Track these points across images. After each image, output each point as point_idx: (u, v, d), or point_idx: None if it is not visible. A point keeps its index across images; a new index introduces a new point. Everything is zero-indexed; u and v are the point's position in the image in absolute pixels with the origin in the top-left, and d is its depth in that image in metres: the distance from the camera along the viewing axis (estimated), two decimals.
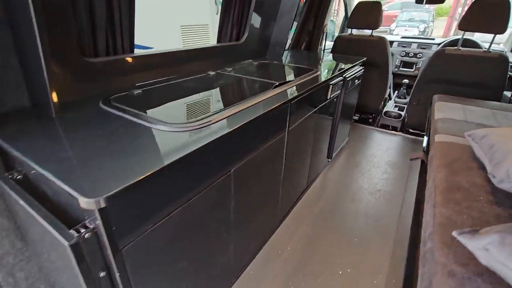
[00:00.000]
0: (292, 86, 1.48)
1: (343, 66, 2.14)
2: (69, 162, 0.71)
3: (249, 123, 1.04)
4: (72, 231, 0.65)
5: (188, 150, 0.79)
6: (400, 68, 3.86)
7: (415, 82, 2.88)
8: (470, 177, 0.99)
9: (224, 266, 1.27)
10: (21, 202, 0.74)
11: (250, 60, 2.09)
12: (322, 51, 3.13)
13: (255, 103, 1.19)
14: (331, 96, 1.91)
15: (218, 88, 1.45)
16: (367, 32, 3.04)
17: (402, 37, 3.96)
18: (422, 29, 10.80)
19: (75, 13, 1.05)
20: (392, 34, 8.44)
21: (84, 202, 0.59)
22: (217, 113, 1.04)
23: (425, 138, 1.93)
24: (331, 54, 2.98)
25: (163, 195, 0.80)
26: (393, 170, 2.48)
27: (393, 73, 3.77)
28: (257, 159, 1.22)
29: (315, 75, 1.76)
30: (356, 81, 2.40)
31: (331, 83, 1.82)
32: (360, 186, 2.26)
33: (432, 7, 12.61)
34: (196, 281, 1.08)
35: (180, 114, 1.12)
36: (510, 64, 2.43)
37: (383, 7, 3.02)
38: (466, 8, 2.74)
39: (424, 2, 2.77)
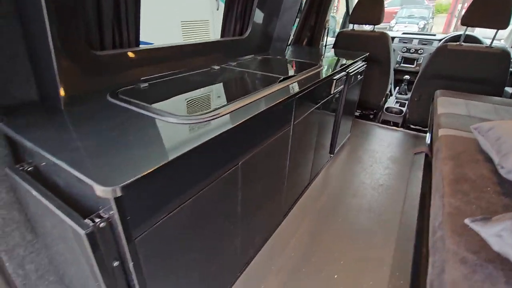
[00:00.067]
0: (297, 81, 1.48)
1: (346, 61, 2.14)
2: (82, 152, 0.71)
3: (257, 116, 1.04)
4: (87, 221, 0.66)
5: (200, 141, 0.79)
6: (401, 64, 3.87)
7: (417, 78, 2.89)
8: (476, 169, 1.00)
9: (231, 258, 1.28)
10: (34, 193, 0.74)
11: (253, 55, 2.09)
12: (323, 47, 3.13)
13: (262, 97, 1.20)
14: (335, 91, 1.91)
15: (224, 82, 1.45)
16: (366, 28, 3.04)
17: (403, 33, 3.96)
18: (421, 26, 10.79)
19: (83, 6, 1.05)
20: (391, 30, 8.43)
21: (101, 191, 0.60)
22: (225, 106, 1.04)
23: (428, 134, 1.95)
24: (333, 49, 2.98)
25: (175, 186, 0.80)
26: (395, 166, 2.49)
27: (394, 69, 3.77)
28: (263, 152, 1.23)
29: (319, 70, 1.76)
30: (359, 76, 2.40)
31: (335, 78, 1.82)
32: (363, 181, 2.27)
33: (432, 3, 12.60)
34: (203, 273, 1.09)
35: (188, 107, 1.12)
36: None
37: None
38: (466, 5, 2.74)
39: None
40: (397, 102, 3.48)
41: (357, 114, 3.43)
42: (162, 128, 0.88)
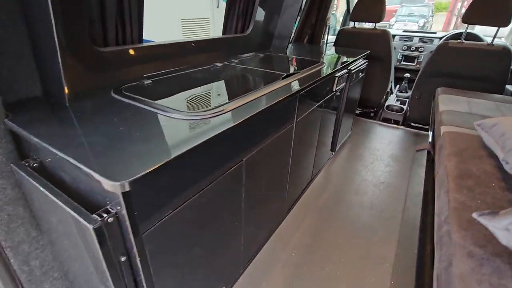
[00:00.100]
0: (300, 78, 1.48)
1: (348, 58, 2.14)
2: (89, 148, 0.71)
3: (262, 112, 1.04)
4: (95, 216, 0.66)
5: (206, 137, 0.79)
6: (402, 62, 3.87)
7: (418, 76, 2.89)
8: (480, 164, 1.01)
9: (234, 254, 1.28)
10: (41, 188, 0.74)
11: (255, 53, 2.09)
12: (324, 45, 3.13)
13: (265, 94, 1.20)
14: (337, 89, 1.91)
15: (227, 79, 1.45)
16: (365, 25, 3.04)
17: (404, 31, 3.96)
18: (421, 24, 10.79)
19: (87, 2, 1.05)
20: (391, 29, 8.42)
21: (109, 185, 0.60)
22: (229, 102, 1.04)
23: (430, 132, 1.95)
24: (335, 47, 2.98)
25: (181, 182, 0.81)
26: (395, 163, 2.50)
27: (394, 67, 3.78)
28: (267, 149, 1.23)
29: (321, 67, 1.76)
30: (360, 74, 2.40)
31: (337, 75, 1.82)
32: (364, 178, 2.27)
33: (432, 2, 12.59)
34: (208, 269, 1.09)
35: (192, 103, 1.12)
36: None
37: None
38: (466, 4, 2.75)
39: None
40: (397, 100, 3.48)
41: (357, 112, 3.44)
42: (167, 124, 0.88)
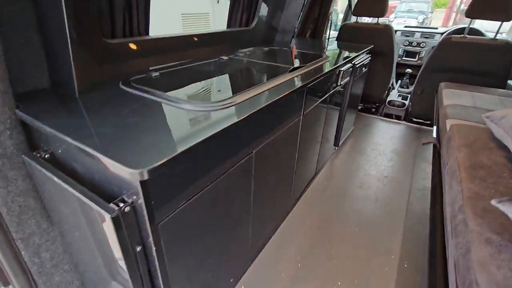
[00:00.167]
0: (307, 71, 1.48)
1: (352, 53, 2.14)
2: (104, 138, 0.71)
3: (271, 104, 1.04)
4: (112, 205, 0.65)
5: (220, 127, 0.79)
6: (403, 58, 3.87)
7: (420, 71, 2.89)
8: (491, 156, 1.02)
9: (243, 247, 1.29)
10: (55, 179, 0.74)
11: (259, 47, 2.08)
12: (326, 39, 3.12)
13: (274, 86, 1.19)
14: (341, 83, 1.91)
15: (235, 72, 1.45)
16: (365, 20, 3.03)
17: (405, 26, 3.96)
18: (420, 20, 10.77)
19: None
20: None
21: (128, 173, 0.59)
22: (240, 94, 1.04)
23: (435, 126, 1.96)
24: (337, 42, 2.97)
25: (195, 172, 0.80)
26: (398, 158, 2.51)
27: (396, 63, 3.78)
28: (276, 142, 1.23)
29: (326, 61, 1.76)
30: (364, 68, 2.40)
31: (342, 69, 1.82)
32: (368, 172, 2.28)
33: None
34: (217, 262, 1.10)
35: (203, 95, 1.12)
36: None
37: None
38: (465, 0, 2.74)
39: None
40: (399, 95, 3.49)
41: (359, 107, 3.44)
42: (180, 114, 0.88)
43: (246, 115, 0.89)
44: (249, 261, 1.42)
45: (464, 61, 2.57)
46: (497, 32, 2.46)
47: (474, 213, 0.76)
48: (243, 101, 1.01)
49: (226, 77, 1.35)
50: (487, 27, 3.32)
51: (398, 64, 3.84)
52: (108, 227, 0.65)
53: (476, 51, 2.50)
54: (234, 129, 0.86)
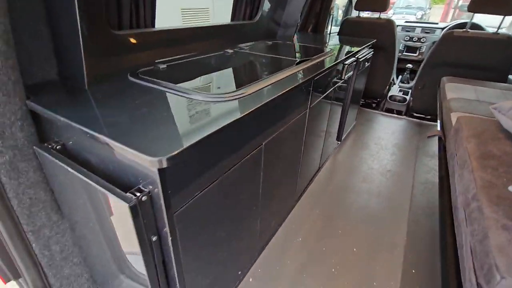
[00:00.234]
0: (313, 64, 1.48)
1: (355, 47, 2.14)
2: (118, 127, 0.70)
3: (280, 96, 1.03)
4: (129, 194, 0.65)
5: (233, 118, 0.79)
6: (404, 53, 3.87)
7: (421, 66, 2.90)
8: (500, 146, 1.02)
9: (251, 240, 1.29)
10: (70, 169, 0.73)
11: (263, 40, 2.07)
12: (328, 34, 3.11)
13: (282, 78, 1.19)
14: (345, 77, 1.91)
15: (242, 64, 1.44)
16: (363, 15, 3.02)
17: (406, 21, 3.96)
18: (419, 17, 10.75)
19: None
20: None
21: (148, 161, 0.59)
22: (249, 85, 1.03)
23: (439, 120, 1.97)
24: (339, 36, 2.96)
25: (209, 162, 0.80)
26: (400, 152, 2.52)
27: (397, 58, 3.77)
28: (284, 134, 1.23)
29: (330, 54, 1.76)
30: (366, 63, 2.40)
31: (346, 62, 1.82)
32: (371, 167, 2.29)
33: None
34: (226, 254, 1.10)
35: (212, 86, 1.11)
36: None
37: None
38: None
39: None
40: (400, 90, 3.49)
41: (361, 102, 3.45)
42: (190, 105, 0.87)
43: (259, 105, 0.89)
44: (256, 254, 1.43)
45: (466, 55, 2.57)
46: (499, 27, 2.47)
47: (489, 201, 0.77)
48: (254, 92, 1.00)
49: (233, 69, 1.35)
50: (485, 22, 3.33)
51: (399, 59, 3.84)
52: (126, 217, 0.65)
53: (478, 46, 2.50)
54: (246, 120, 0.86)
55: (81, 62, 0.92)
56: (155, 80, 1.01)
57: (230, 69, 1.34)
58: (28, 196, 0.88)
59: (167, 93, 0.94)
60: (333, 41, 2.48)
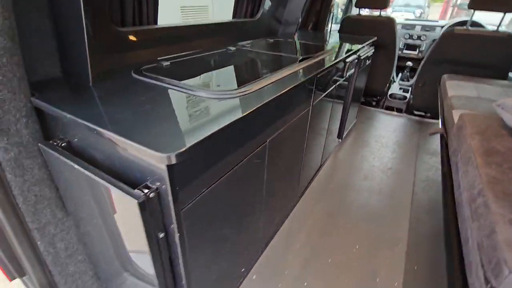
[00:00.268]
0: (315, 61, 1.48)
1: (356, 44, 2.14)
2: (124, 124, 0.70)
3: (284, 93, 1.03)
4: (137, 191, 0.65)
5: (240, 114, 0.79)
6: (404, 51, 3.87)
7: (422, 63, 2.90)
8: (504, 143, 1.03)
9: (254, 237, 1.29)
10: (76, 166, 0.73)
11: (264, 38, 2.07)
12: (328, 32, 3.11)
13: (286, 75, 1.19)
14: (347, 74, 1.91)
15: (245, 62, 1.44)
16: (363, 12, 3.01)
17: (406, 19, 3.96)
18: (418, 15, 10.76)
19: None
20: None
21: (156, 157, 0.59)
22: (254, 82, 1.03)
23: (440, 117, 1.98)
24: (340, 34, 2.96)
25: (215, 158, 0.80)
26: (401, 150, 2.52)
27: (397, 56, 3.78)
28: (287, 131, 1.23)
29: (332, 52, 1.76)
30: (367, 61, 2.40)
31: (348, 60, 1.82)
32: (372, 164, 2.30)
33: None
34: (231, 251, 1.10)
35: (216, 83, 1.11)
36: None
37: None
38: None
39: None
40: (400, 88, 3.49)
41: (361, 100, 3.45)
42: (195, 102, 0.87)
43: (264, 102, 0.89)
44: (259, 251, 1.43)
45: (466, 53, 2.58)
46: (499, 24, 2.47)
47: (495, 196, 0.78)
48: (259, 89, 1.00)
49: (237, 67, 1.35)
50: (484, 21, 3.33)
51: (399, 57, 3.84)
52: (132, 214, 0.65)
53: (478, 43, 2.51)
54: (252, 117, 0.86)
55: (85, 59, 0.92)
56: (159, 77, 1.01)
57: (233, 67, 1.34)
58: (33, 193, 0.88)
59: (171, 90, 0.94)
60: (333, 39, 2.48)
